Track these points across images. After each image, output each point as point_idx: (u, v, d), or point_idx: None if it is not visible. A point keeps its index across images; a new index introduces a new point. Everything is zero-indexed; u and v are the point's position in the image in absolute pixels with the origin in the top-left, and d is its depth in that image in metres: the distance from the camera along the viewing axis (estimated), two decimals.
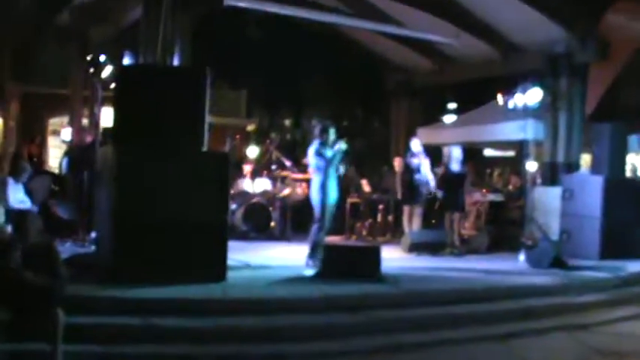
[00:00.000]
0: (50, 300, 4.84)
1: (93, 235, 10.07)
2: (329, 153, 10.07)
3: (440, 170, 12.82)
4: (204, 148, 8.45)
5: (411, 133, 16.48)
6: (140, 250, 7.77)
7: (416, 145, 13.24)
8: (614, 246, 11.79)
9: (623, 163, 12.75)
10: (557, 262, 10.68)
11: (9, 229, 9.32)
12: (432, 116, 18.16)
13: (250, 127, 24.61)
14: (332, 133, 10.24)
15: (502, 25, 14.71)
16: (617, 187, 12.22)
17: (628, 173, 13.63)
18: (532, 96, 12.21)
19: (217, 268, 8.15)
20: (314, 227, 10.17)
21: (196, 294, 7.52)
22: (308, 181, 14.48)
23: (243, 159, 14.96)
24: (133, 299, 7.17)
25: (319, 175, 10.15)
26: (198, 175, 8.11)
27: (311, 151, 10.27)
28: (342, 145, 10.11)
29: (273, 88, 25.33)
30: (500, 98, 12.95)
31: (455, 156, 12.61)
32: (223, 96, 23.81)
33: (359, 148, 20.28)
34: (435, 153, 13.99)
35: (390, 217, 14.62)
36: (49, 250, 4.97)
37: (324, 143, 10.16)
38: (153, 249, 7.80)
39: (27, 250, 4.94)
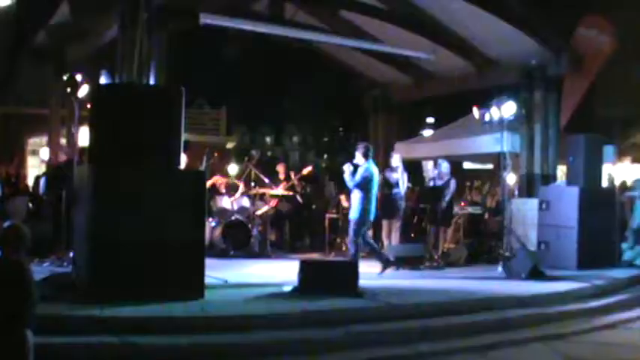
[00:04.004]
0: (17, 322, 4.78)
1: (71, 254, 10.02)
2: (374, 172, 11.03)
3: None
4: (181, 166, 8.47)
5: (389, 148, 16.60)
6: (117, 269, 7.75)
7: (396, 160, 13.33)
8: (591, 255, 11.93)
9: (599, 173, 12.85)
10: (535, 273, 10.76)
11: None
12: (410, 131, 18.27)
13: (230, 145, 24.68)
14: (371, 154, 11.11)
15: (477, 40, 14.84)
16: (593, 197, 12.37)
17: (605, 183, 13.72)
18: (507, 109, 12.33)
19: (195, 285, 8.14)
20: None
21: (174, 312, 7.49)
22: (283, 197, 14.59)
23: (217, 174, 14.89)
24: (110, 318, 7.13)
25: (361, 194, 11.00)
26: (174, 193, 8.10)
27: (361, 170, 11.04)
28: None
29: (253, 106, 25.45)
30: (475, 111, 13.03)
31: (443, 170, 12.85)
32: (203, 114, 23.95)
33: (339, 163, 20.36)
34: (413, 168, 14.09)
35: (370, 232, 14.58)
36: (19, 269, 4.93)
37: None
38: (130, 267, 7.78)
39: None
